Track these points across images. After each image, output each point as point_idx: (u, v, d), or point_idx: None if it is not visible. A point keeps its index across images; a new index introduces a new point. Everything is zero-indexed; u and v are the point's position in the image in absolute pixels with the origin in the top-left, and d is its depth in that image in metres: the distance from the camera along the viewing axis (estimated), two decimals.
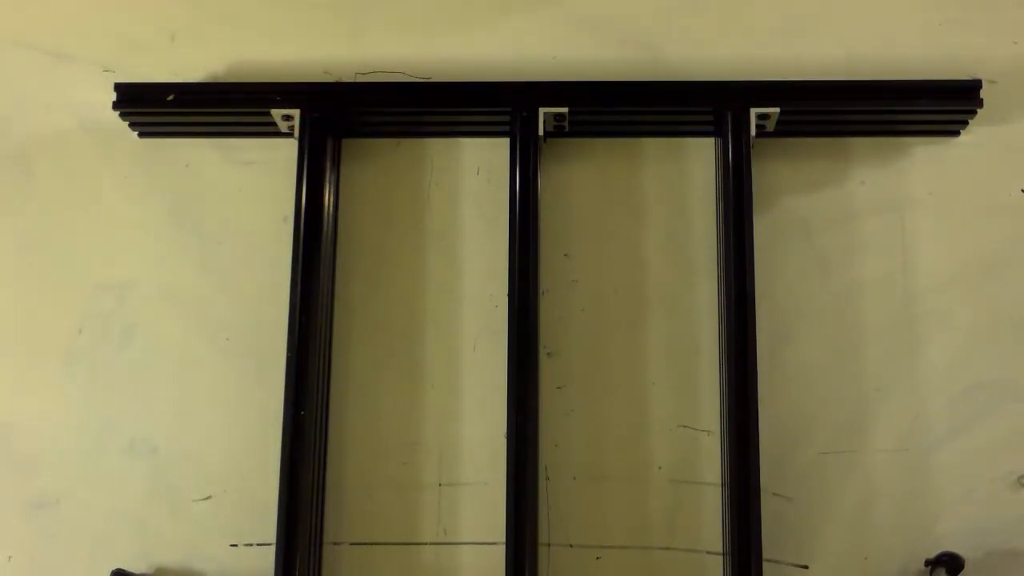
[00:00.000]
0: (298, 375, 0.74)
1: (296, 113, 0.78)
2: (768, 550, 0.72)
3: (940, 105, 0.77)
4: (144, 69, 0.81)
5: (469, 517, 0.76)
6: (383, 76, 0.83)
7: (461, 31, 0.84)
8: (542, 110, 0.77)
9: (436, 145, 0.82)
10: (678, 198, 0.80)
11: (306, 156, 0.77)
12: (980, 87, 0.77)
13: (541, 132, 0.77)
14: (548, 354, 0.78)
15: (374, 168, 0.82)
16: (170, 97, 0.78)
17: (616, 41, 0.83)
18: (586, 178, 0.81)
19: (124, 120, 0.81)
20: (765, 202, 0.79)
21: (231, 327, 0.79)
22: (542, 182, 0.79)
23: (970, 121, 0.79)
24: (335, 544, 0.75)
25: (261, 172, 0.81)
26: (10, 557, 0.76)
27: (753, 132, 0.76)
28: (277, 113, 0.78)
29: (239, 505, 0.76)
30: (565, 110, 0.77)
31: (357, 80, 0.83)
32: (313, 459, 0.74)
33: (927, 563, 0.73)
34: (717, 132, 0.80)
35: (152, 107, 0.79)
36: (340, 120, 0.80)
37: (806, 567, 0.74)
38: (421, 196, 0.81)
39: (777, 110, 0.77)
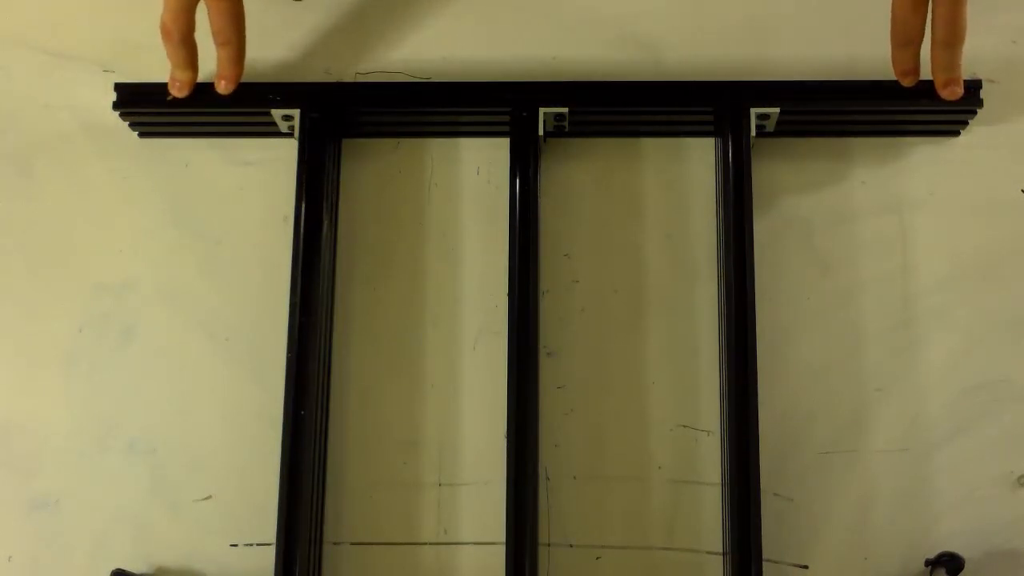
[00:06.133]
0: (298, 375, 0.73)
1: (296, 113, 0.78)
2: (768, 550, 0.72)
3: (940, 105, 0.77)
4: (144, 69, 0.81)
5: (469, 517, 0.76)
6: (383, 76, 0.83)
7: (461, 31, 0.84)
8: (542, 110, 0.77)
9: (436, 145, 0.82)
10: (678, 198, 0.80)
11: (306, 156, 0.77)
12: (980, 87, 0.77)
13: (541, 132, 0.77)
14: (548, 354, 0.78)
15: (374, 168, 0.82)
16: (170, 97, 0.78)
17: (616, 41, 0.83)
18: (586, 178, 0.81)
19: (124, 120, 0.81)
20: (765, 202, 0.79)
21: (231, 327, 0.79)
22: (542, 182, 0.79)
23: (970, 121, 0.79)
24: (335, 544, 0.75)
25: (261, 172, 0.81)
26: (10, 557, 0.76)
27: (753, 132, 0.76)
28: (277, 113, 0.78)
29: (239, 505, 0.76)
30: (565, 110, 0.77)
31: (357, 80, 0.83)
32: (313, 459, 0.74)
33: (927, 563, 0.73)
34: (717, 132, 0.80)
35: (152, 107, 0.79)
36: (340, 120, 0.80)
37: (806, 567, 0.74)
38: (421, 196, 0.81)
39: (777, 110, 0.77)
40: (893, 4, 0.74)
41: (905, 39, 0.74)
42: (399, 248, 0.80)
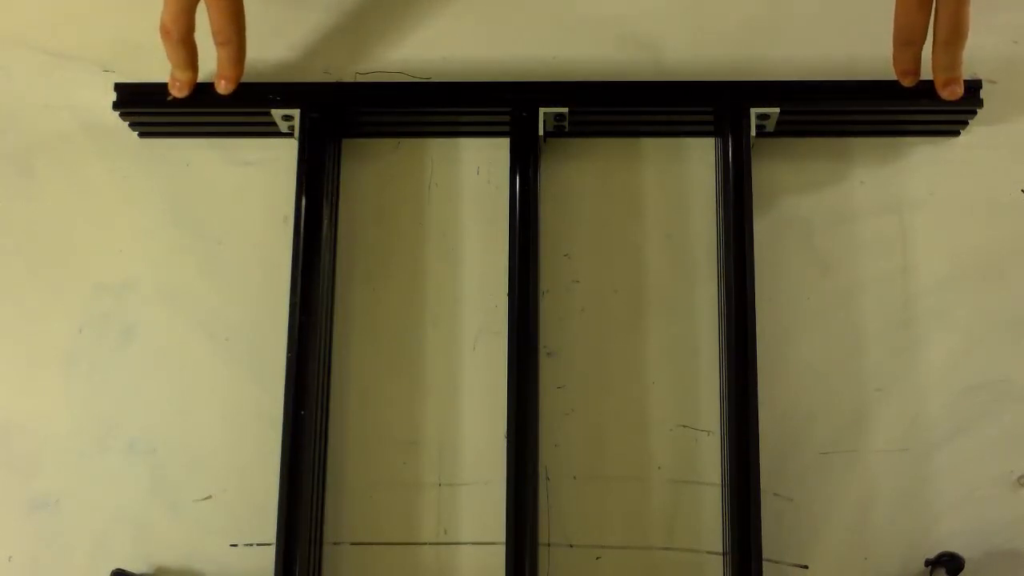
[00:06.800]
0: (298, 375, 0.73)
1: (296, 113, 0.78)
2: (768, 550, 0.72)
3: (940, 105, 0.76)
4: (144, 69, 0.81)
5: (469, 517, 0.76)
6: (383, 76, 0.83)
7: (461, 31, 0.84)
8: (542, 110, 0.77)
9: (436, 145, 0.82)
10: (678, 198, 0.80)
11: (306, 156, 0.77)
12: (980, 87, 0.77)
13: (541, 132, 0.77)
14: (548, 354, 0.78)
15: (374, 168, 0.82)
16: (170, 97, 0.78)
17: (616, 41, 0.83)
18: (586, 178, 0.81)
19: (124, 120, 0.81)
20: (765, 202, 0.79)
21: (231, 327, 0.79)
22: (542, 182, 0.79)
23: (970, 121, 0.79)
24: (335, 544, 0.75)
25: (261, 172, 0.81)
26: (10, 557, 0.76)
27: (753, 132, 0.76)
28: (277, 113, 0.78)
29: (239, 505, 0.76)
30: (565, 110, 0.77)
31: (357, 80, 0.83)
32: (313, 459, 0.74)
33: (927, 563, 0.73)
34: (717, 132, 0.80)
35: (152, 107, 0.79)
36: (340, 120, 0.80)
37: (806, 567, 0.74)
38: (421, 196, 0.81)
39: (777, 110, 0.76)
40: (897, 3, 0.74)
41: (908, 38, 0.74)
42: (399, 248, 0.80)
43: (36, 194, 0.82)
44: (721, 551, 0.74)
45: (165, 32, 0.75)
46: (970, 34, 0.73)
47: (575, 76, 0.82)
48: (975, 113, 0.78)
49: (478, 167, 0.81)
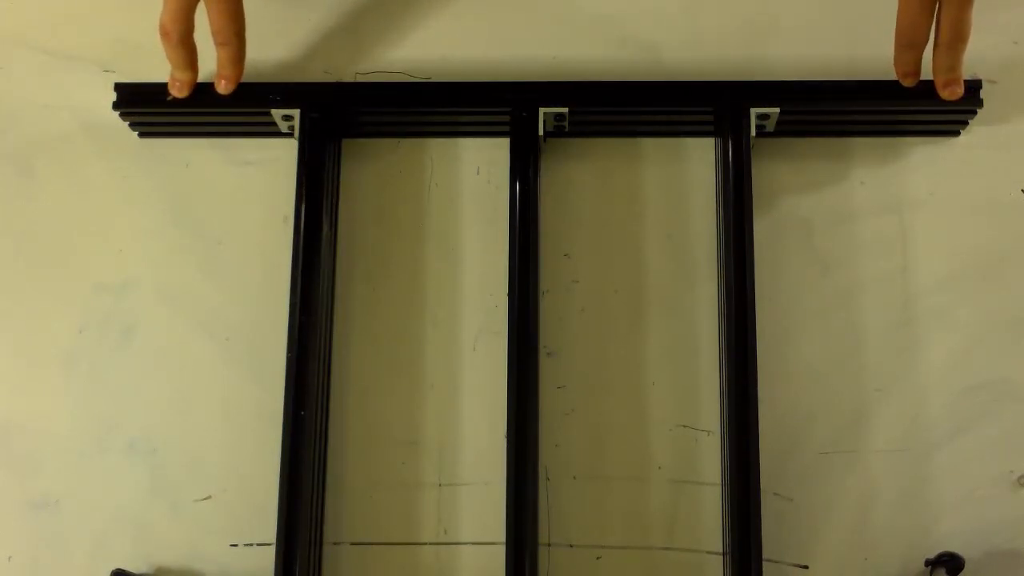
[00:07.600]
0: (298, 375, 0.73)
1: (296, 113, 0.78)
2: (768, 550, 0.72)
3: (940, 105, 0.76)
4: (144, 69, 0.81)
5: (469, 517, 0.76)
6: (383, 76, 0.83)
7: (461, 31, 0.84)
8: (542, 110, 0.77)
9: (436, 145, 0.82)
10: (678, 198, 0.80)
11: (306, 156, 0.77)
12: (980, 87, 0.77)
13: (541, 132, 0.77)
14: (548, 354, 0.78)
15: (374, 168, 0.82)
16: (170, 97, 0.78)
17: (616, 41, 0.83)
18: (586, 178, 0.81)
19: (124, 120, 0.81)
20: (765, 202, 0.79)
21: (231, 327, 0.79)
22: (542, 182, 0.79)
23: (970, 121, 0.79)
24: (335, 544, 0.75)
25: (261, 172, 0.81)
26: (10, 557, 0.76)
27: (753, 132, 0.76)
28: (277, 113, 0.78)
29: (239, 505, 0.76)
30: (565, 110, 0.77)
31: (357, 80, 0.83)
32: (313, 459, 0.74)
33: (927, 563, 0.73)
34: (717, 132, 0.80)
35: (152, 107, 0.79)
36: (340, 120, 0.80)
37: (806, 567, 0.74)
38: (421, 196, 0.81)
39: (777, 110, 0.76)
40: (900, 5, 0.74)
41: (910, 40, 0.74)
42: (399, 248, 0.80)
43: (36, 194, 0.82)
44: (721, 551, 0.74)
45: (165, 33, 0.75)
46: (971, 34, 0.73)
47: (575, 76, 0.82)
48: (975, 113, 0.78)
49: (478, 167, 0.81)
